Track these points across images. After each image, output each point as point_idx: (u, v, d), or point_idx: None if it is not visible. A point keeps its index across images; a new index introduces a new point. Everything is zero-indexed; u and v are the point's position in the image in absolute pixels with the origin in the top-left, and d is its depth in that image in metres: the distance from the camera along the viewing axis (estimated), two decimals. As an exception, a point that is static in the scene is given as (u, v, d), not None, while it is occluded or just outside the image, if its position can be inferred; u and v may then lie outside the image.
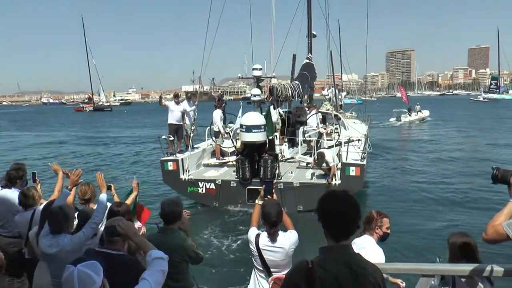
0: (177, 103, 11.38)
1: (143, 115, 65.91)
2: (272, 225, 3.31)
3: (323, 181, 9.18)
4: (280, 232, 3.38)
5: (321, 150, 9.75)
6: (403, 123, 35.35)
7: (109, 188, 3.87)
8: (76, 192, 4.19)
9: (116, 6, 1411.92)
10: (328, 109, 15.58)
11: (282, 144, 11.43)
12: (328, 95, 19.57)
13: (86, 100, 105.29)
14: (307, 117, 12.43)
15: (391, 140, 24.45)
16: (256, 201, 3.68)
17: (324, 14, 15.75)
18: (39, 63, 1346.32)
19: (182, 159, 10.06)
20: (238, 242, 7.58)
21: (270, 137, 9.94)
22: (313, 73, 14.54)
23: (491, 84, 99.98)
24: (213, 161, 11.40)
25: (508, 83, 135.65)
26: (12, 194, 4.35)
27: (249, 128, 9.19)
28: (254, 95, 10.13)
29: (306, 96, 13.87)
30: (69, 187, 3.84)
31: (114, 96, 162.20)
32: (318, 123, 12.02)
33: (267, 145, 9.74)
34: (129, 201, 4.54)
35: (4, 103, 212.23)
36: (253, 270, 3.53)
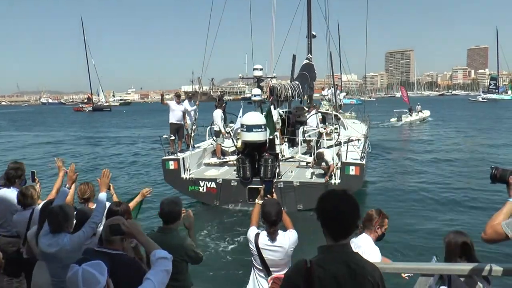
0: (179, 103, 11.47)
1: (142, 115, 65.90)
2: (272, 224, 3.31)
3: (323, 180, 9.24)
4: (280, 232, 3.38)
5: (320, 150, 9.81)
6: (404, 123, 35.40)
7: (108, 188, 3.86)
8: (75, 191, 4.19)
9: (116, 6, 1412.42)
10: (328, 109, 15.63)
11: (282, 144, 11.50)
12: (327, 95, 19.61)
13: (85, 100, 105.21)
14: (307, 117, 12.49)
15: (392, 140, 24.51)
16: (256, 200, 3.69)
17: (324, 14, 15.81)
18: (38, 63, 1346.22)
19: (183, 158, 10.12)
20: (238, 241, 7.59)
21: (271, 137, 10.01)
22: (313, 73, 14.64)
23: (490, 84, 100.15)
24: (214, 160, 11.47)
25: (507, 84, 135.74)
26: (11, 194, 4.35)
27: (249, 128, 9.27)
28: (255, 95, 10.20)
29: (306, 96, 13.92)
30: (67, 185, 3.84)
31: (114, 96, 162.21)
32: (318, 123, 12.09)
33: (268, 144, 9.81)
34: (131, 204, 4.49)
35: (3, 103, 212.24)
36: (252, 269, 3.54)
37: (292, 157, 11.44)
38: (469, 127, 32.14)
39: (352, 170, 8.92)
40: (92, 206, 4.02)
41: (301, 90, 12.30)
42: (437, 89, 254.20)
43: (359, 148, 10.46)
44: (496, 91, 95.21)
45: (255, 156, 9.61)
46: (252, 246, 3.42)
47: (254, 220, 3.60)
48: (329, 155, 9.43)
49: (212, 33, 11.08)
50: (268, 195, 3.72)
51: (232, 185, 9.62)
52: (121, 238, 2.71)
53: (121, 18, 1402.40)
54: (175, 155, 10.22)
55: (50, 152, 22.28)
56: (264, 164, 9.29)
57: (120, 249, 2.69)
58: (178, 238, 3.29)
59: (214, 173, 10.37)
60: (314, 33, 16.26)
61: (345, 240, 1.88)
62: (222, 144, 11.67)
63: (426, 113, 39.15)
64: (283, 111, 12.30)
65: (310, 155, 10.64)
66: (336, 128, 12.31)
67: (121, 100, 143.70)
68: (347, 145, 9.52)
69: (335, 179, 9.18)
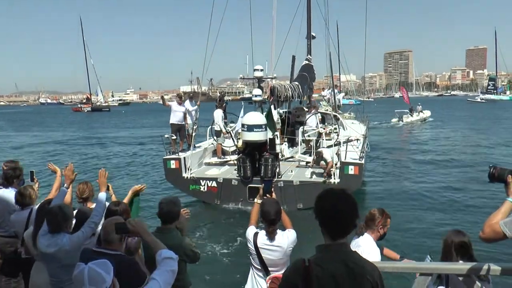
0: (180, 103, 11.57)
1: (141, 115, 65.87)
2: (271, 224, 3.31)
3: (322, 179, 9.33)
4: (279, 231, 3.38)
5: (319, 149, 9.92)
6: (405, 123, 35.54)
7: (107, 188, 3.84)
8: (74, 190, 4.17)
9: (115, 6, 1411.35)
10: (327, 110, 15.68)
11: (282, 144, 11.61)
12: (326, 95, 19.65)
13: (84, 100, 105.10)
14: (307, 117, 12.58)
15: (393, 140, 24.66)
16: (255, 199, 3.69)
17: (323, 15, 15.88)
18: (37, 63, 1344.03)
19: (184, 157, 10.22)
20: (237, 240, 7.61)
21: (271, 137, 10.11)
22: (312, 74, 14.76)
23: (488, 85, 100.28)
24: (215, 160, 11.58)
25: (506, 84, 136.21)
26: (9, 194, 4.34)
27: (250, 128, 9.39)
28: (256, 95, 10.32)
29: (305, 97, 14.00)
30: (65, 184, 3.83)
31: (112, 96, 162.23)
32: (317, 123, 12.20)
33: (268, 144, 9.90)
34: (125, 199, 4.47)
35: (1, 103, 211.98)
36: (251, 269, 3.53)
37: (292, 157, 11.56)
38: (468, 127, 32.28)
39: (351, 170, 9.02)
40: (91, 205, 4.01)
41: (300, 90, 12.45)
42: (435, 89, 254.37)
43: (358, 148, 10.60)
44: (495, 91, 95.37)
45: (255, 156, 9.72)
46: (250, 245, 3.42)
47: (253, 220, 3.60)
48: (327, 153, 9.56)
49: (213, 34, 11.08)
50: (267, 195, 3.72)
51: (233, 184, 9.71)
52: (119, 238, 2.70)
53: (120, 18, 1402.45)
54: (177, 154, 10.32)
55: (49, 152, 22.27)
56: (265, 163, 9.40)
57: (118, 250, 2.68)
58: (177, 238, 3.28)
59: (215, 172, 10.47)
60: (313, 34, 16.36)
61: (343, 239, 1.87)
62: (222, 144, 11.79)
63: (427, 113, 39.24)
64: (283, 111, 12.42)
65: (310, 155, 10.76)
66: (335, 128, 12.42)
67: (120, 100, 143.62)
68: (346, 145, 9.61)
69: (334, 178, 9.27)
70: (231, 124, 12.48)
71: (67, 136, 31.91)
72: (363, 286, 1.79)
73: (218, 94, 20.44)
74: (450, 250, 2.96)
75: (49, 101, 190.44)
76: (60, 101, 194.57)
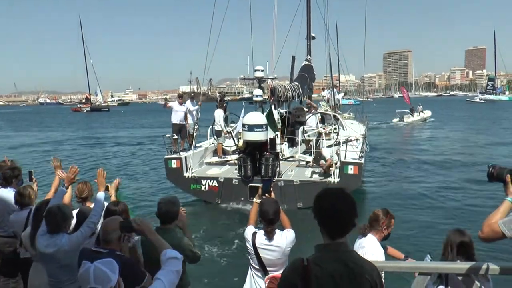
0: (181, 103, 11.66)
1: (140, 115, 65.86)
2: (269, 223, 3.31)
3: (323, 179, 9.42)
4: (277, 231, 3.37)
5: (319, 149, 10.01)
6: (406, 123, 35.66)
7: (106, 189, 3.83)
8: (73, 190, 4.17)
9: (114, 6, 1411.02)
10: (326, 110, 15.72)
11: (282, 144, 11.68)
12: (326, 96, 19.68)
13: (83, 100, 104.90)
14: (307, 117, 12.64)
15: (394, 141, 24.73)
16: (254, 199, 3.69)
17: (323, 16, 15.92)
18: (36, 63, 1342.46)
19: (185, 157, 10.29)
20: (236, 240, 7.62)
21: (272, 136, 10.18)
22: (312, 74, 14.84)
23: (487, 85, 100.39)
24: (215, 159, 11.66)
25: (505, 84, 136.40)
26: (8, 194, 4.34)
27: (251, 127, 9.46)
28: (256, 96, 10.40)
29: (305, 97, 14.07)
30: (65, 185, 3.82)
31: (112, 96, 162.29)
32: (317, 123, 12.28)
33: (269, 144, 9.97)
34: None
35: (0, 103, 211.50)
36: (249, 268, 3.52)
37: (291, 157, 11.65)
38: (468, 127, 32.38)
39: (351, 169, 9.09)
40: (90, 205, 4.01)
41: (300, 91, 12.54)
42: (435, 89, 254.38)
43: (357, 148, 10.67)
44: (494, 92, 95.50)
45: (256, 155, 9.79)
46: (249, 245, 3.41)
47: (252, 219, 3.60)
48: (326, 151, 9.71)
49: (213, 34, 11.11)
50: (266, 194, 3.71)
51: (234, 184, 9.78)
52: (118, 238, 2.70)
53: (120, 18, 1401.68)
54: (178, 154, 10.39)
55: (48, 151, 22.23)
56: (265, 163, 9.49)
57: (117, 250, 2.68)
58: (176, 238, 3.26)
59: (216, 171, 10.55)
60: (313, 35, 16.42)
61: (342, 239, 1.86)
62: (223, 144, 11.88)
63: (428, 113, 39.36)
64: (284, 111, 12.51)
65: (310, 155, 10.84)
66: (335, 128, 12.49)
67: (119, 100, 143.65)
68: (346, 145, 9.67)
69: (334, 178, 9.33)
70: (232, 124, 12.58)
71: (66, 136, 31.90)
72: (362, 286, 1.78)
73: (218, 94, 20.47)
74: (451, 249, 2.95)
75: (48, 101, 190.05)
76: (59, 101, 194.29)
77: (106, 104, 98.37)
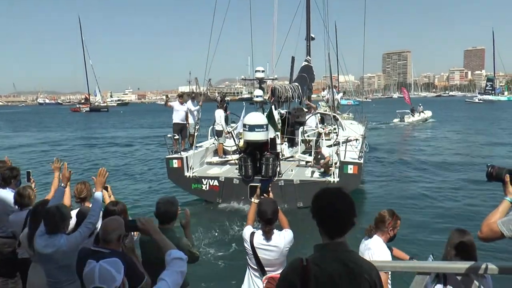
0: (182, 103, 11.72)
1: (139, 115, 65.87)
2: (267, 223, 3.30)
3: (323, 178, 9.48)
4: (275, 231, 3.36)
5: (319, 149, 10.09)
6: (406, 123, 35.75)
7: (105, 189, 3.82)
8: (72, 190, 4.16)
9: (115, 6, 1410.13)
10: (326, 110, 15.76)
11: (282, 144, 11.74)
12: (325, 96, 19.71)
13: (82, 101, 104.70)
14: (307, 117, 12.67)
15: (394, 141, 24.79)
16: (252, 199, 3.68)
17: (322, 17, 15.97)
18: (36, 63, 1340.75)
19: (186, 157, 10.34)
20: (234, 240, 7.60)
21: (272, 136, 10.24)
22: (311, 75, 14.91)
23: (486, 85, 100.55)
24: (216, 159, 11.73)
25: (504, 85, 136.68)
26: (6, 194, 4.32)
27: (252, 128, 9.52)
28: (257, 96, 10.47)
29: (305, 98, 14.12)
30: (63, 184, 3.81)
31: (111, 96, 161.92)
32: (317, 123, 12.32)
33: (269, 144, 10.03)
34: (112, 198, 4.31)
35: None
36: (247, 268, 3.51)
37: (292, 156, 11.71)
38: (467, 128, 32.46)
39: (351, 169, 9.16)
40: (89, 205, 4.00)
41: (300, 91, 12.59)
42: (434, 90, 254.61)
43: (357, 148, 10.73)
44: (493, 92, 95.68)
45: (256, 155, 9.86)
46: (247, 245, 3.39)
47: (250, 219, 3.59)
48: (325, 150, 9.81)
49: (214, 34, 11.16)
50: (265, 194, 3.71)
51: (234, 183, 9.85)
52: (117, 238, 2.69)
53: (120, 18, 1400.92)
54: (179, 154, 10.43)
55: (46, 152, 22.21)
56: (266, 162, 9.56)
57: (118, 249, 2.67)
58: (174, 238, 3.25)
59: (217, 171, 10.62)
60: (313, 36, 16.48)
61: (341, 238, 1.85)
62: (224, 144, 11.95)
63: (428, 113, 39.42)
64: (284, 112, 12.56)
65: (310, 155, 10.90)
66: (334, 129, 12.52)
67: (118, 100, 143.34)
68: (346, 145, 9.73)
69: (333, 177, 9.38)
70: (232, 124, 12.65)
71: (65, 136, 31.88)
72: (361, 285, 1.77)
73: (217, 95, 20.53)
74: (452, 249, 2.94)
75: (47, 101, 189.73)
76: (59, 101, 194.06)
77: (105, 104, 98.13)
